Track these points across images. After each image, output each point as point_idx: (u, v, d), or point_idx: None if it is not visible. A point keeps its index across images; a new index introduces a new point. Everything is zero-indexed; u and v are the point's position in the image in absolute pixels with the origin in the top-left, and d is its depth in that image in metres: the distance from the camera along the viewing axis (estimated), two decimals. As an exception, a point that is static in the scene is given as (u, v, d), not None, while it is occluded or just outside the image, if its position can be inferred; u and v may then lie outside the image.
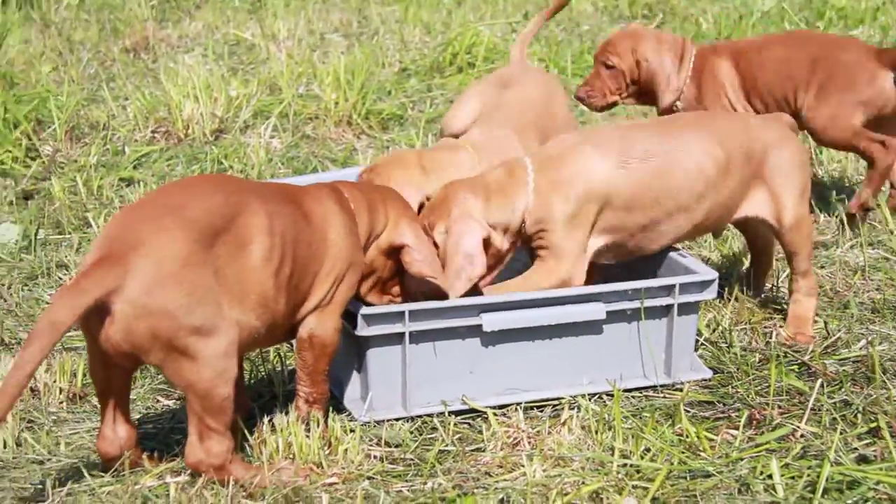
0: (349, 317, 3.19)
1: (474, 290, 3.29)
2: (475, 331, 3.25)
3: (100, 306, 2.61)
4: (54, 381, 3.36)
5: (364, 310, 3.17)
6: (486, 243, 3.31)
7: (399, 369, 3.22)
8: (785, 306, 3.70)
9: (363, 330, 3.16)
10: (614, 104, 4.54)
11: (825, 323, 3.68)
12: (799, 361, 3.47)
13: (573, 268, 3.34)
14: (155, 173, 5.18)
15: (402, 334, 3.20)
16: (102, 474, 2.90)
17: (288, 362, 3.46)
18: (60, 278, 4.17)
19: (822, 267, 4.12)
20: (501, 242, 3.36)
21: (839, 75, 4.23)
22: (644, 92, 4.49)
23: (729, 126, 3.53)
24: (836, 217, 4.45)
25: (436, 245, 3.29)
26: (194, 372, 2.68)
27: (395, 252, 3.18)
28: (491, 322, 3.24)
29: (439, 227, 3.30)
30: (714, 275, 3.39)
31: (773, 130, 3.57)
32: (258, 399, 3.31)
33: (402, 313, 3.18)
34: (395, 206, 3.22)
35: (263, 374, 3.45)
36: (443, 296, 3.21)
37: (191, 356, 2.67)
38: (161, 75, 6.12)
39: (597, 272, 3.56)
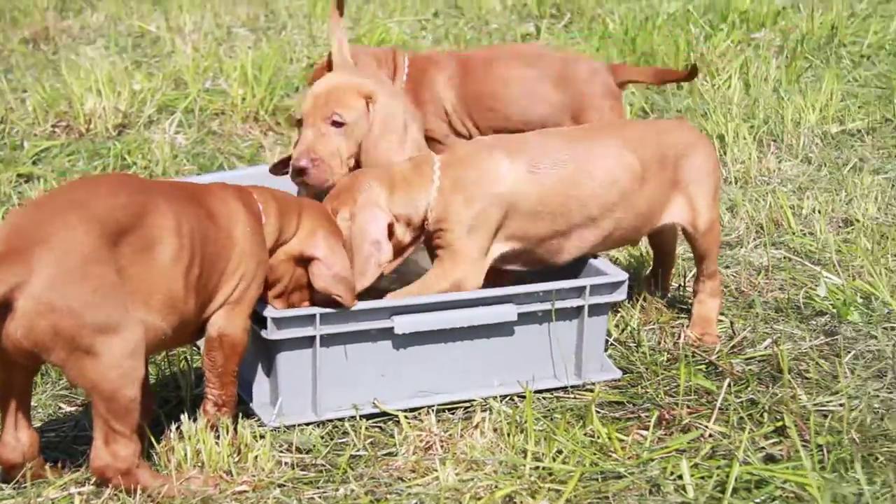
0: (258, 320, 3.13)
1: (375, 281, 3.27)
2: (386, 333, 3.22)
3: (1, 303, 2.52)
4: (-50, 388, 3.23)
5: (274, 313, 3.11)
6: (390, 232, 3.29)
7: (309, 373, 3.18)
8: (691, 306, 3.75)
9: (273, 333, 3.11)
10: None
11: (731, 322, 3.74)
12: (706, 361, 3.51)
13: (469, 271, 3.32)
14: (55, 169, 5.05)
15: (313, 337, 3.15)
16: (3, 486, 2.81)
17: (195, 365, 3.39)
18: (-44, 279, 4.02)
19: (727, 267, 4.19)
20: (403, 235, 3.35)
21: (589, 95, 4.25)
22: None
23: (642, 133, 3.56)
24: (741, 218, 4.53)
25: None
26: (99, 372, 2.61)
27: (305, 261, 3.14)
28: (403, 325, 3.21)
29: (343, 213, 3.27)
30: (624, 276, 3.42)
31: (684, 135, 3.61)
32: (164, 405, 3.24)
33: (312, 316, 3.14)
34: (313, 215, 3.17)
35: (169, 377, 3.38)
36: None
37: (95, 355, 2.60)
38: (62, 67, 5.96)
39: (507, 273, 3.55)
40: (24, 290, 2.53)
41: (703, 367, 3.49)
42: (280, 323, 3.12)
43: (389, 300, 3.25)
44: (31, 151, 5.19)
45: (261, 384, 3.23)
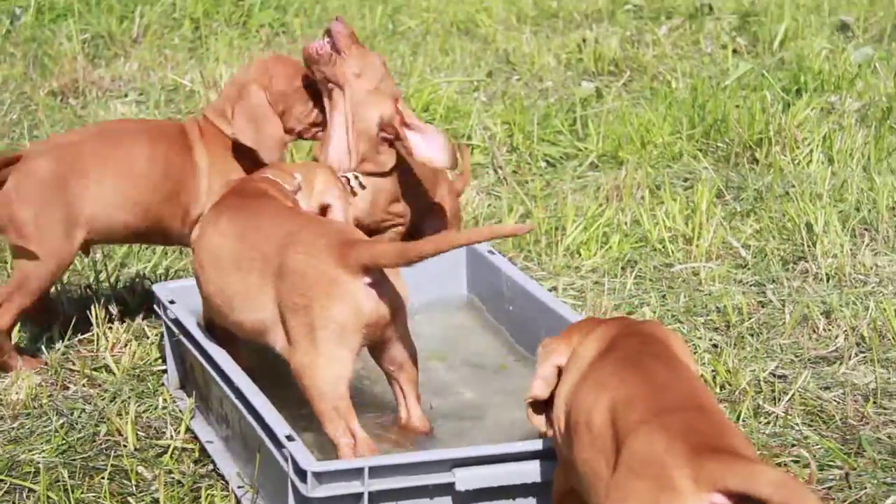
0: (298, 472, 2.68)
1: None
2: (446, 489, 2.76)
3: None
4: None
5: (315, 466, 2.66)
6: None
7: (355, 536, 2.71)
8: None
9: (314, 490, 2.65)
10: None
11: (846, 473, 3.19)
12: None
13: None
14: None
15: (361, 495, 2.69)
16: None
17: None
18: None
19: (827, 388, 3.64)
20: None
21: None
22: None
23: None
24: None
25: None
26: None
27: None
28: (465, 479, 2.74)
29: None
30: None
31: None
32: None
33: (360, 470, 2.68)
34: None
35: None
36: None
37: None
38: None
39: None
40: None
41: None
42: (322, 478, 2.66)
43: (449, 450, 2.79)
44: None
45: (298, 544, 2.76)
